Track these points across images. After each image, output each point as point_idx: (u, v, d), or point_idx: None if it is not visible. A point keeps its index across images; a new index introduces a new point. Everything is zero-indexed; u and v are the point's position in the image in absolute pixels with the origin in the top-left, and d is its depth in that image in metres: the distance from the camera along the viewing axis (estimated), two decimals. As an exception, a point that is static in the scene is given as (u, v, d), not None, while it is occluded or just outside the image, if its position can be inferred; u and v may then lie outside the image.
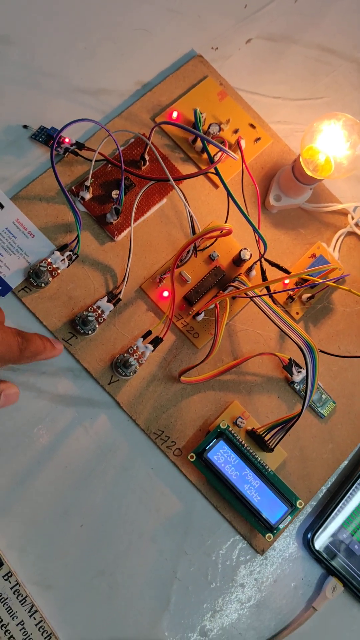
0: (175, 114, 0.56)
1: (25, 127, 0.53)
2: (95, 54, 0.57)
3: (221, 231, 0.48)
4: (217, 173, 0.47)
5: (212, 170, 0.48)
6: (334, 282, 0.51)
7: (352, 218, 0.58)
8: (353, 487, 0.52)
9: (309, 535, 0.51)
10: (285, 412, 0.53)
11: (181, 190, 0.50)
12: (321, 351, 0.53)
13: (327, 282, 0.48)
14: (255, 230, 0.48)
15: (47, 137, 0.53)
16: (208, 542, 0.50)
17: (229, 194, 0.48)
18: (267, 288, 0.50)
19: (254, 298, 0.47)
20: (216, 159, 0.52)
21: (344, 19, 0.64)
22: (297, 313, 0.55)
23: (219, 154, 0.53)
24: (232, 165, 0.56)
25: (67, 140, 0.53)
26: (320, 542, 0.51)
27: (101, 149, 0.51)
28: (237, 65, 0.60)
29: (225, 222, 0.51)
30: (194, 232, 0.49)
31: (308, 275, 0.51)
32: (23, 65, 0.56)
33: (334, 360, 0.55)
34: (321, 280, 0.49)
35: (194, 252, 0.51)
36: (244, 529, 0.50)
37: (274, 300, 0.53)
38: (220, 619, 0.49)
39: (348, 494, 0.52)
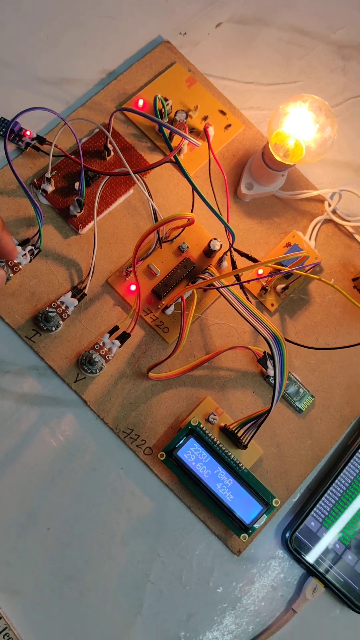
0: (141, 102, 0.54)
1: (-16, 119, 0.52)
2: (58, 42, 0.56)
3: (188, 220, 0.46)
4: (177, 161, 0.45)
5: (172, 159, 0.45)
6: (306, 271, 0.48)
7: (329, 205, 0.56)
8: (333, 484, 0.50)
9: (287, 534, 0.49)
10: (262, 407, 0.51)
11: (143, 181, 0.48)
12: (296, 343, 0.51)
13: (296, 271, 0.46)
14: (219, 218, 0.46)
15: (6, 129, 0.52)
16: (182, 544, 0.48)
17: (190, 182, 0.46)
18: (237, 277, 0.49)
19: (220, 288, 0.45)
20: (182, 146, 0.51)
21: (316, 0, 0.62)
22: (272, 305, 0.53)
23: (185, 142, 0.52)
24: (202, 154, 0.54)
25: (28, 133, 0.51)
26: (299, 541, 0.49)
27: (65, 140, 0.49)
28: (206, 51, 0.58)
29: (191, 212, 0.49)
30: (156, 220, 0.47)
31: (277, 264, 0.49)
32: (-17, 56, 0.54)
33: (312, 353, 0.53)
34: (290, 269, 0.47)
35: (158, 244, 0.49)
36: (218, 529, 0.48)
37: (244, 290, 0.51)
38: (196, 623, 0.47)
39: (328, 491, 0.50)
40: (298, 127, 0.47)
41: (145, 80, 0.56)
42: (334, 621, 0.49)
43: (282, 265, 0.50)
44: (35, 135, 0.51)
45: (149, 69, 0.56)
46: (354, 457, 0.51)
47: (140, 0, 0.58)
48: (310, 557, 0.48)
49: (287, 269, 0.48)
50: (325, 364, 0.53)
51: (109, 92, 0.55)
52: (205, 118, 0.55)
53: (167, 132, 0.50)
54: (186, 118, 0.53)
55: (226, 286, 0.45)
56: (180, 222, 0.47)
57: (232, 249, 0.50)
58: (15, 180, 0.51)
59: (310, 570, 0.49)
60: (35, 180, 0.51)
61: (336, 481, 0.50)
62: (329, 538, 0.49)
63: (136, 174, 0.46)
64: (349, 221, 0.56)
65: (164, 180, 0.54)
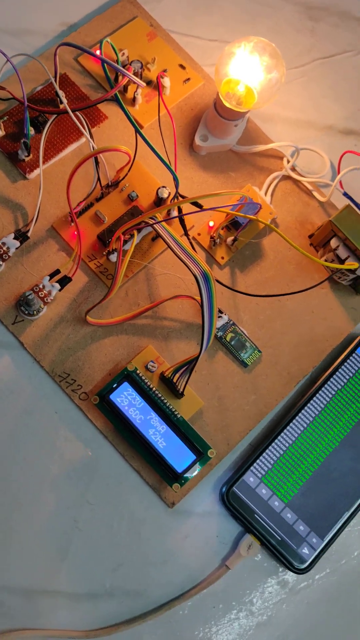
0: (98, 53, 0.54)
1: None
2: (20, -5, 0.56)
3: (129, 160, 0.45)
4: (117, 99, 0.45)
5: (112, 96, 0.45)
6: (253, 216, 0.47)
7: (288, 161, 0.55)
8: (275, 441, 0.48)
9: (224, 489, 0.47)
10: (206, 359, 0.50)
11: (84, 120, 0.48)
12: (239, 292, 0.50)
13: (233, 213, 0.45)
14: (160, 158, 0.45)
15: None
16: (114, 492, 0.47)
17: (130, 120, 0.45)
18: (181, 221, 0.48)
19: (154, 225, 0.44)
20: (137, 95, 0.50)
21: None
22: (222, 258, 0.52)
23: (139, 92, 0.51)
24: (155, 108, 0.54)
25: (-19, 78, 0.52)
26: (237, 496, 0.47)
27: (19, 89, 0.49)
28: (170, 8, 0.58)
29: (134, 156, 0.48)
30: (96, 162, 0.47)
31: (222, 209, 0.48)
32: None
33: (262, 309, 0.52)
34: (235, 214, 0.46)
35: (102, 188, 0.48)
36: (152, 480, 0.47)
37: (190, 241, 0.50)
38: (123, 573, 0.46)
39: (270, 447, 0.48)
40: (245, 70, 0.47)
41: (105, 33, 0.56)
42: (269, 578, 0.47)
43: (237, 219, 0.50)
44: (-13, 81, 0.52)
45: (109, 22, 0.56)
46: (299, 415, 0.49)
47: None
48: (247, 513, 0.47)
49: (228, 211, 0.47)
50: (274, 321, 0.52)
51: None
52: (164, 71, 0.55)
53: (112, 74, 0.50)
54: (141, 68, 0.53)
55: (159, 222, 0.44)
56: (125, 165, 0.46)
57: (178, 194, 0.49)
58: (-33, 124, 0.51)
59: (247, 527, 0.47)
60: (-15, 125, 0.51)
61: (279, 438, 0.48)
62: (268, 495, 0.47)
63: (75, 112, 0.46)
64: (307, 178, 0.55)
65: (119, 131, 0.54)
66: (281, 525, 0.47)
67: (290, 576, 0.47)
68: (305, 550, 0.47)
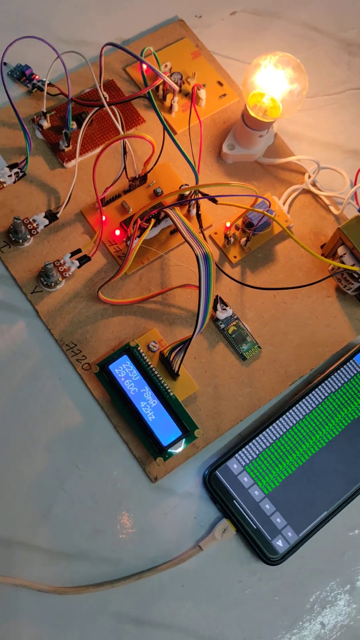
0: (145, 67, 0.59)
1: (5, 64, 0.59)
2: (84, 11, 0.63)
3: (152, 150, 0.49)
4: (150, 98, 0.50)
5: (146, 94, 0.50)
6: (268, 215, 0.50)
7: (309, 177, 0.58)
8: (263, 432, 0.50)
9: (207, 472, 0.49)
10: (206, 348, 0.52)
11: (119, 114, 0.53)
12: (244, 284, 0.53)
13: (253, 209, 0.48)
14: (182, 153, 0.49)
15: (20, 73, 0.58)
16: (102, 461, 0.49)
17: (159, 116, 0.49)
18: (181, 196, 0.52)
19: (165, 209, 0.48)
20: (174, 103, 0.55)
21: (335, 2, 0.66)
22: (235, 257, 0.55)
23: (176, 101, 0.56)
24: (193, 117, 0.58)
25: (37, 77, 0.58)
26: (218, 479, 0.48)
27: (74, 90, 0.55)
28: (217, 33, 0.63)
29: (160, 153, 0.53)
30: (124, 151, 0.51)
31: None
32: (15, 14, 0.62)
33: (267, 308, 0.54)
34: (247, 208, 0.49)
35: (130, 180, 0.53)
36: (140, 453, 0.49)
37: (203, 233, 0.53)
38: (100, 540, 0.47)
39: (257, 438, 0.49)
40: (269, 81, 0.51)
41: (154, 49, 0.61)
42: (240, 565, 0.47)
43: (251, 221, 0.53)
44: (42, 79, 0.57)
45: (159, 40, 0.62)
46: (290, 411, 0.50)
47: (164, -15, 0.65)
48: (227, 498, 0.48)
49: (238, 204, 0.50)
50: (278, 320, 0.54)
51: (119, 55, 0.61)
52: (202, 85, 0.59)
53: (152, 81, 0.55)
54: (180, 79, 0.58)
55: (170, 205, 0.47)
56: (150, 157, 0.50)
57: (198, 190, 0.52)
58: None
59: (225, 511, 0.48)
60: (35, 117, 0.57)
61: (267, 430, 0.50)
62: (249, 483, 0.48)
63: (111, 106, 0.51)
64: (325, 192, 0.57)
65: (154, 134, 0.58)
66: (259, 514, 0.48)
67: (260, 566, 0.47)
68: (280, 543, 0.47)
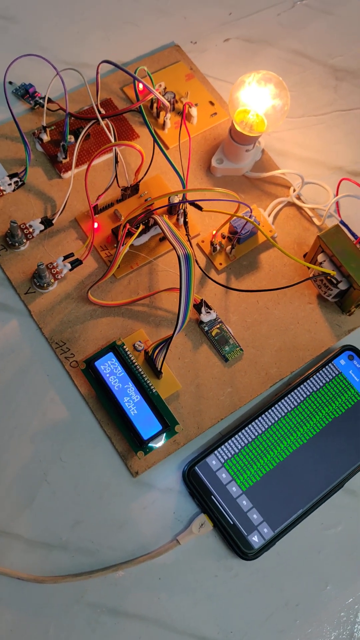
0: (140, 86, 0.63)
1: (10, 83, 0.63)
2: (85, 38, 0.67)
3: (141, 159, 0.52)
4: (141, 111, 0.53)
5: (137, 108, 0.53)
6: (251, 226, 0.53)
7: (294, 190, 0.60)
8: (243, 430, 0.51)
9: (186, 467, 0.50)
10: (190, 349, 0.54)
11: (112, 128, 0.56)
12: (229, 287, 0.55)
13: (236, 215, 0.51)
14: (169, 161, 0.52)
15: (24, 91, 0.62)
16: (85, 455, 0.51)
17: (149, 129, 0.52)
18: (183, 220, 0.54)
19: (153, 214, 0.50)
20: (166, 120, 0.58)
21: (324, 32, 0.70)
22: (221, 264, 0.57)
23: (168, 117, 0.60)
24: (184, 133, 0.61)
25: (39, 94, 0.62)
26: (197, 475, 0.49)
27: (73, 107, 0.59)
28: (211, 58, 0.67)
29: (151, 163, 0.56)
30: (116, 160, 0.54)
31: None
32: (23, 39, 0.66)
33: (250, 312, 0.56)
34: (232, 214, 0.52)
35: (122, 190, 0.55)
36: (122, 448, 0.51)
37: (190, 242, 0.56)
38: (80, 531, 0.49)
39: (237, 436, 0.51)
40: (253, 97, 0.54)
41: (149, 70, 0.65)
42: (217, 563, 0.48)
43: (235, 229, 0.55)
44: (43, 96, 0.61)
45: (155, 63, 0.66)
46: (270, 410, 0.52)
47: (162, 14, 0.69)
48: (205, 493, 0.49)
49: (222, 211, 0.52)
50: (260, 325, 0.55)
51: (117, 76, 0.65)
52: (194, 104, 0.63)
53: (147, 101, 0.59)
54: (174, 98, 0.61)
55: (157, 208, 0.50)
56: (140, 166, 0.53)
57: (185, 198, 0.55)
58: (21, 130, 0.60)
59: (202, 506, 0.49)
60: (36, 131, 0.60)
61: (247, 428, 0.51)
62: (227, 480, 0.49)
63: (105, 119, 0.54)
64: (309, 205, 0.60)
65: (147, 149, 0.61)
66: (236, 510, 0.49)
67: (236, 562, 0.48)
68: (255, 538, 0.48)
